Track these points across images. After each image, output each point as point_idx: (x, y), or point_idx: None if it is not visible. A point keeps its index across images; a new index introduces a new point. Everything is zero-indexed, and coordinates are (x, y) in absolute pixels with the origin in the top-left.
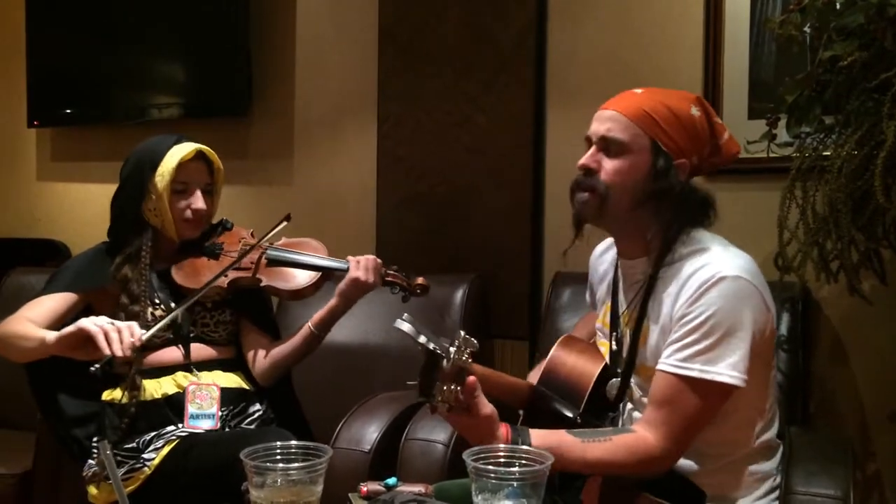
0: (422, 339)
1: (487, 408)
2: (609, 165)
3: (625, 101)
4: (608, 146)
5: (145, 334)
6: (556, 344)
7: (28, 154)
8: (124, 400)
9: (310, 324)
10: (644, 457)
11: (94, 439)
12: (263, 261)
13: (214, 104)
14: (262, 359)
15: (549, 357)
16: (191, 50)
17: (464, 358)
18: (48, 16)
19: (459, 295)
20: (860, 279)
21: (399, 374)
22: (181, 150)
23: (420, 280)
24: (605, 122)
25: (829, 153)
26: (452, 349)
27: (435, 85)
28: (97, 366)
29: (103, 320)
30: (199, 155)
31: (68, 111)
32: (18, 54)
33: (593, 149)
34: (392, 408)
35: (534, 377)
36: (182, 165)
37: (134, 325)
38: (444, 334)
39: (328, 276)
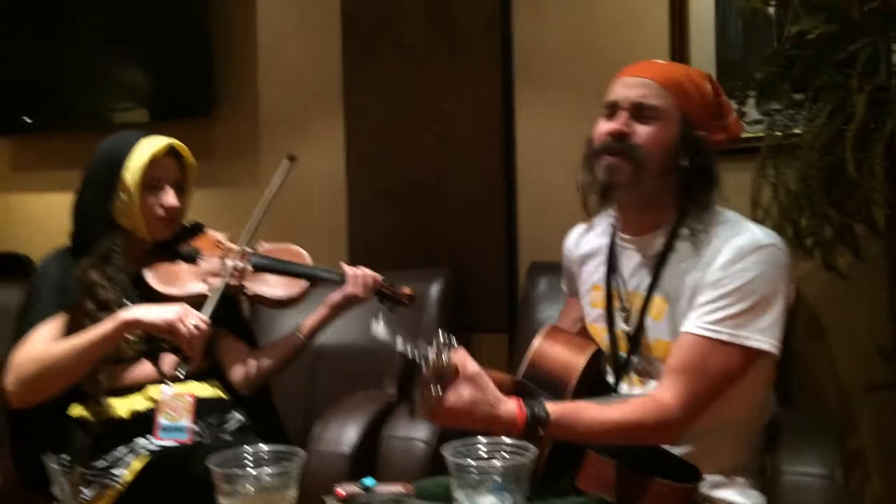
0: (398, 345)
1: (473, 366)
2: (642, 130)
3: (654, 68)
4: (641, 112)
5: (207, 321)
6: (539, 335)
7: None
8: (89, 416)
9: (300, 334)
10: (662, 417)
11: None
12: (249, 268)
13: (176, 105)
14: (243, 368)
15: (532, 349)
16: (150, 51)
17: (442, 360)
18: (2, 23)
19: (435, 290)
20: (835, 255)
21: (377, 373)
22: (152, 145)
23: (407, 290)
24: (636, 87)
25: (799, 130)
26: (431, 352)
27: (401, 75)
28: (182, 372)
29: (185, 315)
30: (170, 150)
31: (27, 119)
32: None
33: (624, 114)
34: (370, 407)
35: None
36: (153, 161)
37: (201, 320)
38: (420, 330)
39: (316, 284)
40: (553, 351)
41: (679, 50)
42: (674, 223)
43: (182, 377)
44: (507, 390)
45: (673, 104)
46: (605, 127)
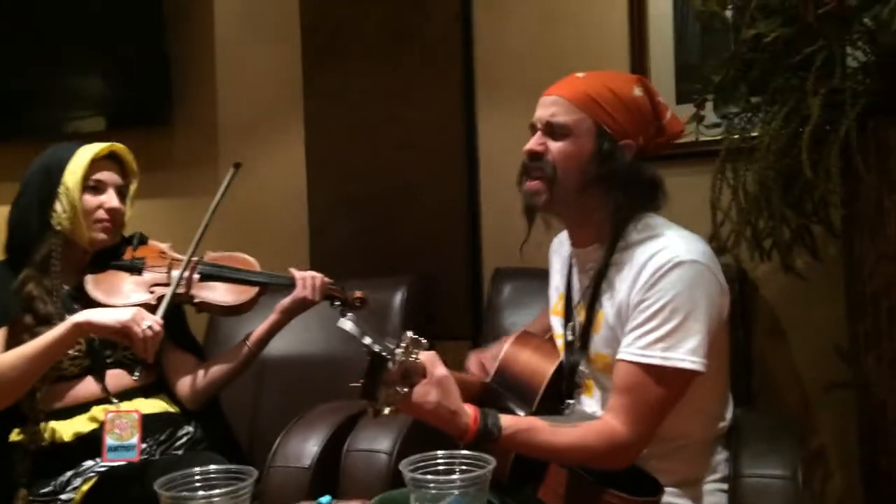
0: (366, 339)
1: (442, 369)
2: (555, 148)
3: (567, 85)
4: (553, 130)
5: (161, 322)
6: (510, 340)
7: None
8: (25, 441)
9: (248, 342)
10: (612, 443)
11: None
12: (196, 276)
13: (132, 114)
14: (191, 381)
15: (502, 353)
16: (105, 59)
17: (411, 358)
18: None
19: (398, 298)
20: (793, 256)
21: (338, 383)
22: (93, 148)
23: (358, 293)
24: (548, 107)
25: (756, 133)
26: (398, 350)
27: (361, 82)
28: (136, 376)
29: (140, 317)
30: (112, 156)
31: None
32: None
33: (538, 134)
34: (332, 419)
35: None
36: (94, 163)
37: (155, 321)
38: (374, 329)
39: (265, 290)
40: (523, 356)
41: (639, 54)
42: (611, 234)
43: (136, 378)
44: (476, 393)
45: (585, 118)
46: (526, 146)
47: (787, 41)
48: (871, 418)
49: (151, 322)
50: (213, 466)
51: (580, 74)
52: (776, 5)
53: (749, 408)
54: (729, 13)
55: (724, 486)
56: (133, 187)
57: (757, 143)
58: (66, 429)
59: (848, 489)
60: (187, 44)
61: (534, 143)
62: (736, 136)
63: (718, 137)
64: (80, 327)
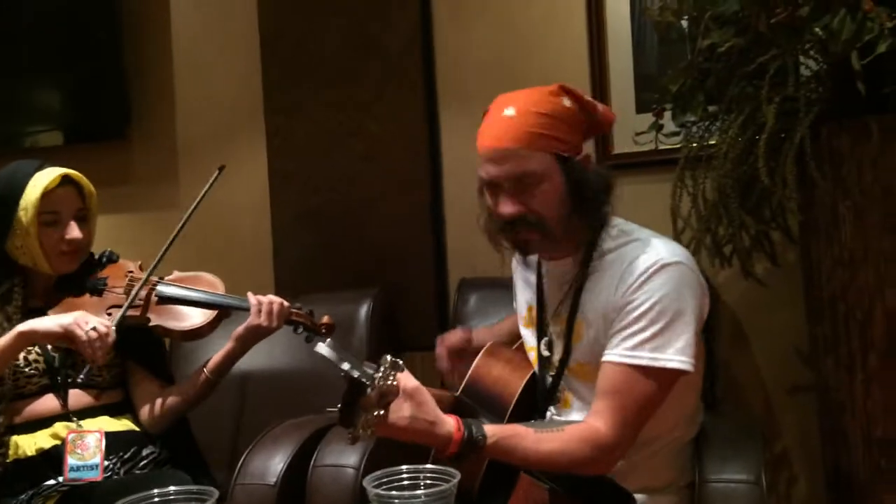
0: (345, 365)
1: (412, 381)
2: (535, 200)
3: (505, 132)
4: (524, 181)
5: (113, 328)
6: (481, 352)
7: None
8: None
9: (206, 370)
10: (597, 446)
11: None
12: (154, 297)
13: (88, 128)
14: (151, 407)
15: (473, 366)
16: (62, 74)
17: (389, 382)
18: None
19: (364, 310)
20: (753, 262)
21: (306, 399)
22: (44, 178)
23: (326, 319)
24: (506, 161)
25: (714, 141)
26: (377, 374)
27: (323, 95)
28: (82, 377)
29: (83, 320)
30: (66, 180)
31: None
32: None
33: (510, 192)
34: (298, 435)
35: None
36: (48, 194)
37: (101, 322)
38: (350, 352)
39: (225, 314)
40: (494, 370)
41: (599, 65)
42: (585, 247)
43: (81, 379)
44: (447, 407)
45: (545, 156)
46: (502, 210)
47: (742, 51)
48: (832, 420)
49: (96, 323)
50: (172, 487)
51: (508, 113)
52: (730, 16)
53: (713, 412)
54: (685, 23)
55: (691, 491)
56: (94, 207)
57: (715, 151)
58: (29, 443)
59: (812, 492)
60: (145, 58)
61: (509, 207)
62: (694, 145)
63: (677, 146)
64: (23, 336)
